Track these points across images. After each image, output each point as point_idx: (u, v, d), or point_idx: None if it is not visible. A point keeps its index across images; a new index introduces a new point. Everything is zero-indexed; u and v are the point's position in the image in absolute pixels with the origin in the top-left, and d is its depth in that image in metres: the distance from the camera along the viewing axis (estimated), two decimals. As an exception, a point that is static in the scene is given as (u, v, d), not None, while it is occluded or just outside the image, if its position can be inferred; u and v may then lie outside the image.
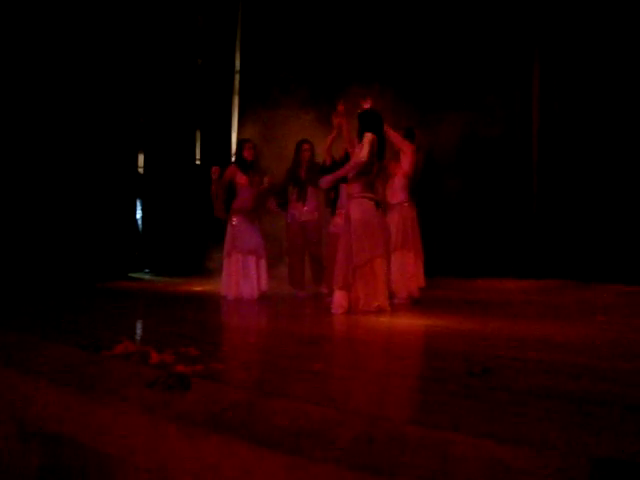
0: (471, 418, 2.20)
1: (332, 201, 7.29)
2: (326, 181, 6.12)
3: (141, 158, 12.08)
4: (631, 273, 8.66)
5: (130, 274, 11.04)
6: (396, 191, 6.84)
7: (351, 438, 1.89)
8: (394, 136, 6.54)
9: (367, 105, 6.13)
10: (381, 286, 5.83)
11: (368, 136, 5.79)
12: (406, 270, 6.71)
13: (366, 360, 3.69)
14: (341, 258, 5.83)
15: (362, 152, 5.78)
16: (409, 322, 5.41)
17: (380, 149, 5.91)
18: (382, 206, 6.10)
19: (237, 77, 13.22)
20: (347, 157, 6.52)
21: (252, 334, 5.00)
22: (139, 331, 4.93)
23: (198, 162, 12.51)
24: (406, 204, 6.84)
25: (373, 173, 5.91)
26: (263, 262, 7.30)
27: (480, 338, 4.33)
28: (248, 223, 7.29)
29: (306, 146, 7.58)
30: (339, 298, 5.75)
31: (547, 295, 7.88)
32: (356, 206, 5.87)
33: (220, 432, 1.99)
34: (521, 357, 3.55)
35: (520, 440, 1.89)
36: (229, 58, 13.03)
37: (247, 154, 7.33)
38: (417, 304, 6.58)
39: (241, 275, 7.17)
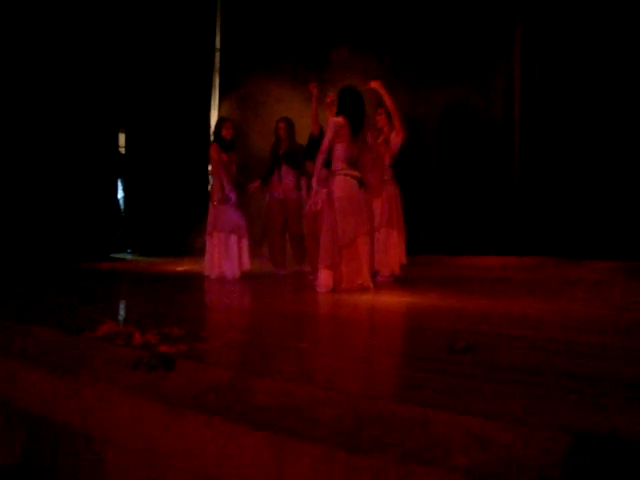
0: (454, 395, 2.22)
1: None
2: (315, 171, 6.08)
3: (122, 138, 11.98)
4: (611, 250, 8.76)
5: (112, 254, 10.99)
6: (377, 170, 6.85)
7: (336, 416, 1.90)
8: (394, 113, 6.54)
9: (376, 85, 6.21)
10: (364, 264, 5.83)
11: (332, 121, 5.86)
12: (390, 248, 6.75)
13: (350, 338, 3.71)
14: (325, 237, 5.81)
15: (324, 138, 5.88)
16: (392, 300, 5.44)
17: (356, 127, 5.87)
18: (364, 184, 6.09)
19: (217, 55, 13.11)
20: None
21: (235, 313, 5.00)
22: (122, 312, 4.92)
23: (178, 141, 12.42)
24: (390, 182, 6.86)
25: (354, 152, 5.91)
26: (245, 241, 7.29)
27: (462, 315, 4.36)
28: (229, 202, 7.27)
29: (281, 124, 7.55)
30: (324, 277, 5.75)
31: (528, 272, 7.94)
32: (339, 184, 5.84)
33: (205, 412, 2.00)
34: (503, 334, 3.58)
35: (502, 416, 1.91)
36: (209, 36, 12.91)
37: (226, 133, 7.28)
38: (400, 282, 6.61)
39: (223, 255, 7.17)
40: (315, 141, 6.80)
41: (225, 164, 7.26)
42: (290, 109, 8.08)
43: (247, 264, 7.28)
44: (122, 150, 12.06)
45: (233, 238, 7.21)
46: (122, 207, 12.15)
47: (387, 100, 6.54)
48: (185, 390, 2.22)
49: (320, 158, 5.88)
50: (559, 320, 4.12)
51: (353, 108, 5.85)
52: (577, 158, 9.42)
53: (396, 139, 6.80)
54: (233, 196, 7.26)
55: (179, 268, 8.77)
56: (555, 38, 9.73)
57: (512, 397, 2.19)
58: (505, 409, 2.02)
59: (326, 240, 5.80)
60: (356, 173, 5.91)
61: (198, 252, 8.25)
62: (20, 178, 9.44)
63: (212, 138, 7.42)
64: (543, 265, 8.69)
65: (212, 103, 13.02)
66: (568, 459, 1.56)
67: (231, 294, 6.24)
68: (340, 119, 5.82)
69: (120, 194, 12.13)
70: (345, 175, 5.85)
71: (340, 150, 5.83)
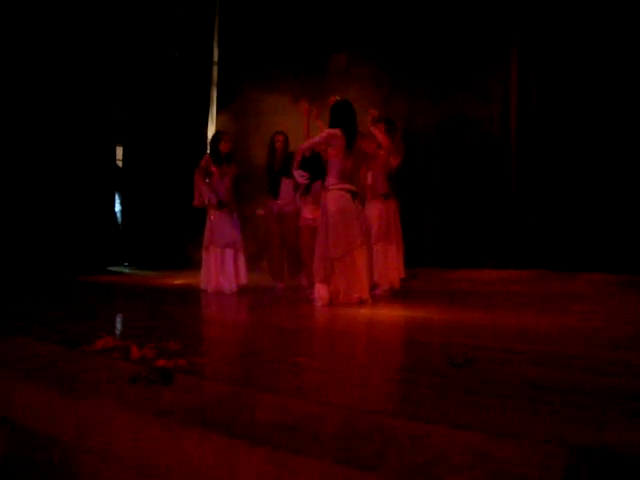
0: (453, 409, 2.21)
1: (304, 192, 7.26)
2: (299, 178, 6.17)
3: (119, 151, 11.99)
4: (609, 262, 8.76)
5: (109, 268, 10.97)
6: (377, 183, 6.88)
7: (334, 431, 1.89)
8: (377, 134, 6.49)
9: (375, 114, 6.36)
10: (362, 278, 5.83)
11: (328, 131, 5.96)
12: (388, 262, 6.76)
13: (348, 352, 3.70)
14: (319, 251, 5.85)
15: (311, 140, 6.13)
16: (390, 313, 5.43)
17: (350, 140, 5.91)
18: (359, 197, 6.11)
19: (215, 69, 13.15)
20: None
21: (233, 327, 4.99)
22: (119, 326, 4.90)
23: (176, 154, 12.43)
24: (387, 196, 6.89)
25: (348, 165, 5.94)
26: (241, 255, 7.30)
27: (461, 329, 4.36)
28: (226, 216, 7.27)
29: (279, 137, 7.58)
30: (320, 290, 5.76)
31: (526, 285, 7.95)
32: (332, 199, 5.87)
33: (202, 427, 1.99)
34: (502, 347, 3.57)
35: (502, 431, 1.90)
36: (207, 50, 12.95)
37: (224, 146, 7.30)
38: (398, 295, 6.61)
39: (219, 269, 7.17)
40: (306, 161, 6.79)
41: (213, 175, 7.27)
42: (287, 121, 8.10)
43: (243, 279, 7.28)
44: (119, 163, 12.07)
45: (229, 252, 7.21)
46: (119, 220, 12.14)
47: (380, 138, 6.48)
48: (183, 405, 2.20)
49: (301, 150, 6.11)
50: (557, 334, 4.11)
51: (347, 122, 5.93)
52: (575, 170, 9.43)
53: (395, 161, 6.89)
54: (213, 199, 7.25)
55: (176, 282, 8.76)
56: (552, 52, 9.76)
57: (511, 411, 2.18)
58: (504, 423, 2.01)
59: (319, 254, 5.85)
60: (350, 187, 5.94)
61: (195, 265, 8.23)
62: (18, 191, 9.43)
63: (208, 150, 7.45)
64: (541, 278, 8.69)
65: (210, 116, 13.05)
66: (569, 475, 1.55)
67: (228, 308, 6.23)
68: (336, 131, 5.87)
69: (117, 207, 12.13)
70: (339, 190, 5.88)
71: (335, 163, 5.89)
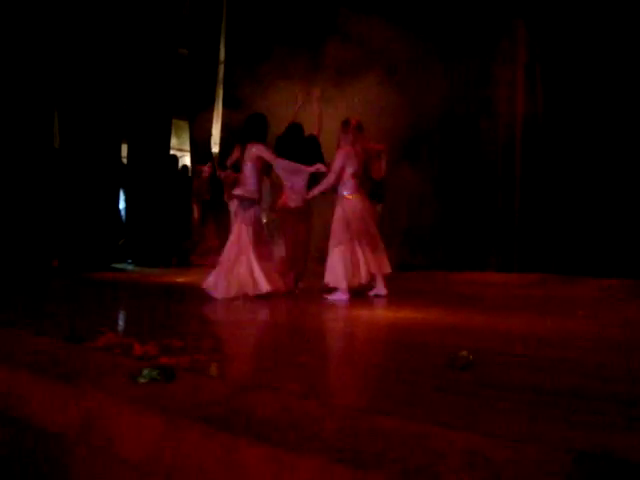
0: (454, 412, 2.22)
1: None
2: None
3: (124, 148, 12.00)
4: (613, 267, 8.74)
5: (113, 265, 10.98)
6: (345, 184, 6.87)
7: (335, 431, 1.90)
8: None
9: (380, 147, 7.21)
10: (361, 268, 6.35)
11: (342, 152, 6.55)
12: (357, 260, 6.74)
13: (349, 353, 3.71)
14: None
15: (335, 164, 6.57)
16: (392, 315, 5.43)
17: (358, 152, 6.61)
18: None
19: (222, 68, 13.17)
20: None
21: (235, 326, 4.99)
22: (122, 322, 4.92)
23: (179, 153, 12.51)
24: (356, 196, 6.87)
25: (360, 171, 6.63)
26: None
27: (462, 331, 4.36)
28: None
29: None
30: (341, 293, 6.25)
31: (529, 289, 7.94)
32: (344, 206, 6.51)
33: (205, 424, 2.00)
34: (503, 351, 3.58)
35: (502, 434, 1.91)
36: (214, 49, 12.98)
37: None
38: (400, 297, 6.60)
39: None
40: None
41: None
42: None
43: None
44: (124, 160, 12.08)
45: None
46: (124, 217, 12.15)
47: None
48: (185, 402, 2.22)
49: (331, 179, 6.55)
50: (559, 338, 4.12)
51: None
52: (579, 175, 9.41)
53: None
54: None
55: (179, 279, 8.77)
56: (560, 61, 9.75)
57: (512, 415, 2.19)
58: (504, 427, 2.02)
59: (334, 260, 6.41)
60: (361, 192, 6.60)
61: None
62: (22, 188, 9.45)
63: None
64: (544, 282, 8.68)
65: (215, 115, 13.07)
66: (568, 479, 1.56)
67: (231, 306, 6.23)
68: (348, 149, 6.50)
69: (122, 204, 12.14)
70: (352, 197, 6.54)
71: (348, 173, 6.51)
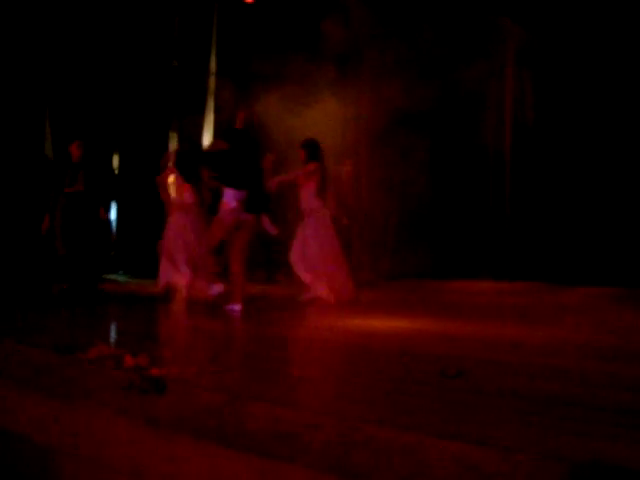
0: (445, 421, 2.22)
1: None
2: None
3: (116, 159, 11.99)
4: (604, 275, 8.77)
5: (104, 276, 10.94)
6: (309, 199, 6.98)
7: (325, 441, 1.90)
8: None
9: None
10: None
11: (307, 168, 6.92)
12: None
13: (340, 362, 3.71)
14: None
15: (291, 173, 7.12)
16: (383, 324, 5.43)
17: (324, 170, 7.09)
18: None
19: (212, 79, 13.17)
20: None
21: (226, 337, 4.98)
22: (113, 334, 4.90)
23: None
24: (320, 211, 6.96)
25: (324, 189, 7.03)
26: None
27: (454, 340, 4.36)
28: None
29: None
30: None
31: (520, 297, 7.95)
32: (318, 220, 6.90)
33: (194, 435, 2.00)
34: (494, 359, 3.59)
35: (492, 443, 1.91)
36: (204, 60, 12.98)
37: None
38: (391, 306, 6.61)
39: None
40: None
41: None
42: (284, 132, 8.12)
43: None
44: (115, 171, 12.07)
45: None
46: (115, 228, 12.12)
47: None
48: (176, 413, 2.21)
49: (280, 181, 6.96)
50: (550, 346, 4.13)
51: (320, 156, 6.98)
52: (570, 183, 9.46)
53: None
54: None
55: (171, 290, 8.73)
56: (550, 66, 9.80)
57: (503, 423, 2.19)
58: (495, 436, 2.02)
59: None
60: (326, 210, 7.00)
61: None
62: (14, 198, 9.42)
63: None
64: (535, 290, 8.69)
65: (206, 126, 13.06)
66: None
67: (221, 317, 6.21)
68: (314, 166, 6.89)
69: (113, 215, 12.11)
70: (317, 213, 6.90)
71: (312, 189, 6.89)
